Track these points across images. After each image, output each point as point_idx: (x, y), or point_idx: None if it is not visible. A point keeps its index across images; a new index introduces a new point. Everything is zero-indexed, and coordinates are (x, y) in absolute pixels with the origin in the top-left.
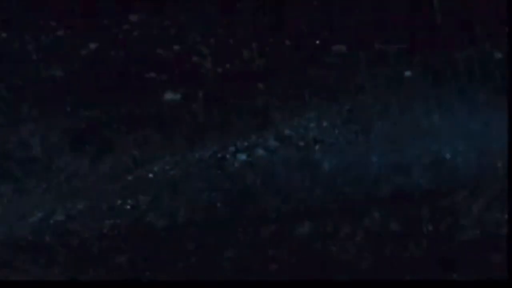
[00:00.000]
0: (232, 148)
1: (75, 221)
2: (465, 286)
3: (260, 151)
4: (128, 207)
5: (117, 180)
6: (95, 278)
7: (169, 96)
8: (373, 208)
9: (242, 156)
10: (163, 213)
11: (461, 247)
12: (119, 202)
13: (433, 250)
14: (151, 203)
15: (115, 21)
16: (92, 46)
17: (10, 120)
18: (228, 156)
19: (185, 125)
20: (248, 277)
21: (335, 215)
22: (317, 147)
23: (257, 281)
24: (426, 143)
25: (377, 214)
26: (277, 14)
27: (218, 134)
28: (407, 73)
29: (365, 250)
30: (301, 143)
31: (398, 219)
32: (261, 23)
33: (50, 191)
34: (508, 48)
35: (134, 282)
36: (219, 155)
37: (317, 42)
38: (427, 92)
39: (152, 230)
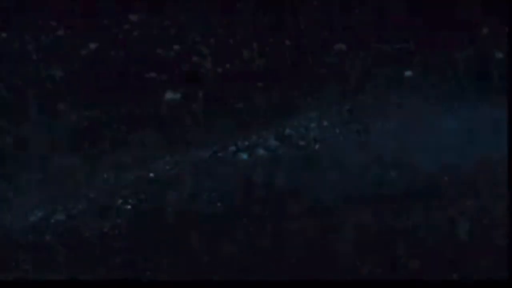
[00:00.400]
0: (232, 148)
1: (75, 221)
2: (465, 286)
3: (261, 151)
4: (129, 206)
5: (117, 180)
6: (95, 278)
7: (169, 96)
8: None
9: (243, 156)
10: (164, 212)
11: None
12: (119, 201)
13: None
14: (152, 203)
15: (115, 21)
16: (92, 46)
17: (10, 120)
18: (228, 156)
19: (186, 125)
20: (249, 277)
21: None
22: (317, 146)
23: (257, 281)
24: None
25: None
26: (277, 14)
27: (218, 134)
28: (408, 73)
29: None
30: (302, 143)
31: (394, 217)
32: (261, 23)
33: (50, 190)
34: (508, 48)
35: (134, 282)
36: (219, 155)
37: (318, 42)
38: (427, 92)
39: (152, 229)
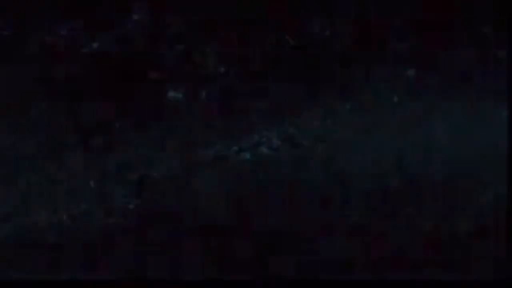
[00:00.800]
0: (235, 147)
1: (76, 220)
2: (465, 286)
3: (264, 150)
4: (131, 206)
5: (119, 179)
6: (95, 278)
7: (171, 95)
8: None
9: (246, 155)
10: (166, 212)
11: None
12: (121, 201)
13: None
14: (154, 202)
15: (116, 20)
16: (94, 45)
17: (10, 120)
18: (231, 155)
19: (188, 124)
20: (249, 277)
21: None
22: (319, 146)
23: (257, 281)
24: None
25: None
26: (277, 14)
27: (221, 133)
28: (408, 73)
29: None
30: (304, 142)
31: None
32: (261, 23)
33: (51, 190)
34: (508, 48)
35: (134, 282)
36: (222, 154)
37: (319, 42)
38: (427, 91)
39: (154, 229)
